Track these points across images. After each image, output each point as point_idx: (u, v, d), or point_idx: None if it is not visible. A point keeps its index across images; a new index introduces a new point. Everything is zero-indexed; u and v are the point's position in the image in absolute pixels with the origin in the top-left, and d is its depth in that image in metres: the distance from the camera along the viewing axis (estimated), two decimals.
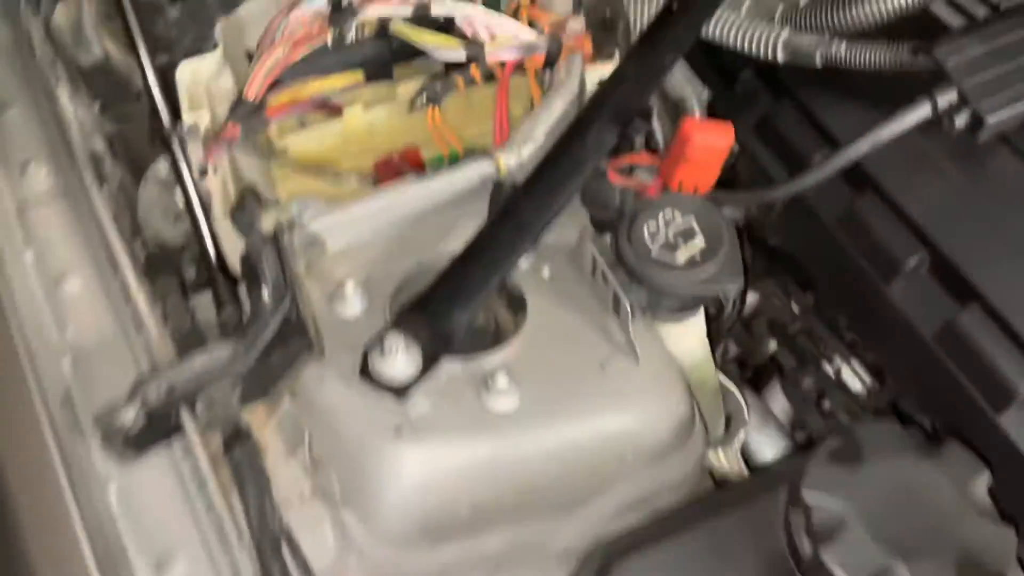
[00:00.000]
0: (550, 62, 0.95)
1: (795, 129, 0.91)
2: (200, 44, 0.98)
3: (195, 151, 0.91)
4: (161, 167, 0.97)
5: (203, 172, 0.90)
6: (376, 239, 0.81)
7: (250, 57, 1.03)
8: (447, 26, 0.97)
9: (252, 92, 0.95)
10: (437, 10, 0.96)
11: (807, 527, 0.61)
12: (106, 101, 0.99)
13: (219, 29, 0.99)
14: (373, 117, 0.99)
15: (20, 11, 0.90)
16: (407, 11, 0.96)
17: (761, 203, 0.89)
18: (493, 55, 0.93)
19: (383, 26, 0.98)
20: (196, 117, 0.94)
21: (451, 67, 0.95)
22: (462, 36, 0.96)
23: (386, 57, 1.01)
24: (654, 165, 0.82)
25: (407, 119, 1.00)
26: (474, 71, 0.93)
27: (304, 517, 0.67)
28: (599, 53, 0.95)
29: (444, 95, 0.93)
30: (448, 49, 0.93)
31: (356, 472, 0.68)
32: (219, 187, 0.93)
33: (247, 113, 0.95)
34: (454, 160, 0.94)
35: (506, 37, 0.94)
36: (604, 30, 0.97)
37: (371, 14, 0.97)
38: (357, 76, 1.00)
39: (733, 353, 1.02)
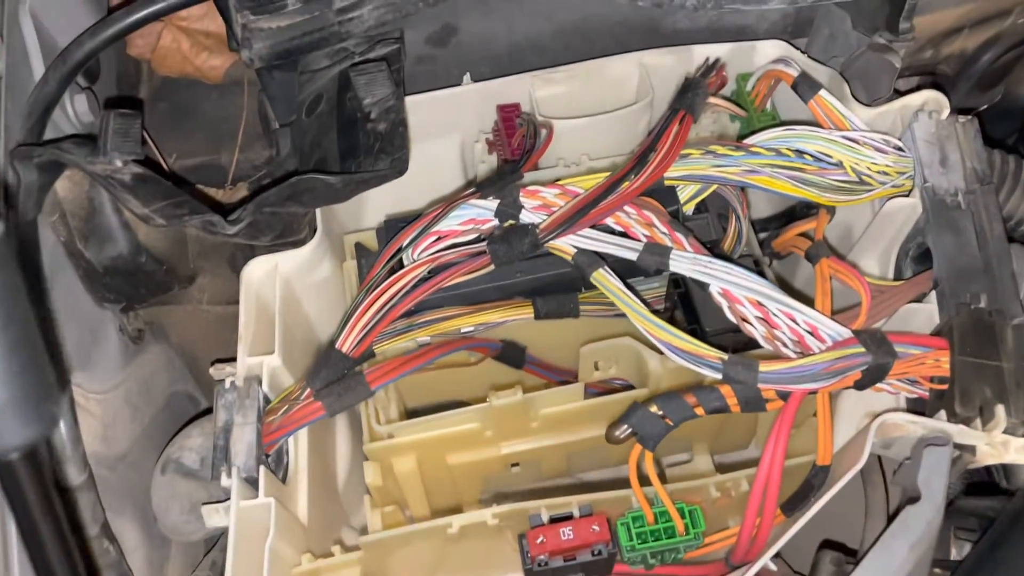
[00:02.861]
0: (865, 385, 0.53)
1: None
2: (287, 237, 0.61)
3: (244, 434, 0.54)
4: (187, 450, 0.61)
5: (250, 483, 0.52)
6: None
7: (361, 251, 0.65)
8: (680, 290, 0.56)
9: (348, 344, 0.57)
10: (680, 267, 0.54)
11: None
12: (132, 300, 0.64)
13: (320, 214, 0.61)
14: (536, 403, 0.59)
15: None
16: (630, 253, 0.55)
17: None
18: (772, 382, 0.51)
19: None
20: (257, 364, 0.57)
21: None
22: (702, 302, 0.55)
23: (575, 282, 0.61)
24: None
25: (585, 410, 0.60)
26: (729, 395, 0.52)
27: None
28: (966, 401, 0.51)
29: (668, 432, 0.52)
30: (693, 358, 0.51)
31: None
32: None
33: (338, 374, 0.57)
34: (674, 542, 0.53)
35: (794, 336, 0.52)
36: (976, 340, 0.52)
37: (564, 246, 0.57)
38: (524, 310, 0.60)
39: None
